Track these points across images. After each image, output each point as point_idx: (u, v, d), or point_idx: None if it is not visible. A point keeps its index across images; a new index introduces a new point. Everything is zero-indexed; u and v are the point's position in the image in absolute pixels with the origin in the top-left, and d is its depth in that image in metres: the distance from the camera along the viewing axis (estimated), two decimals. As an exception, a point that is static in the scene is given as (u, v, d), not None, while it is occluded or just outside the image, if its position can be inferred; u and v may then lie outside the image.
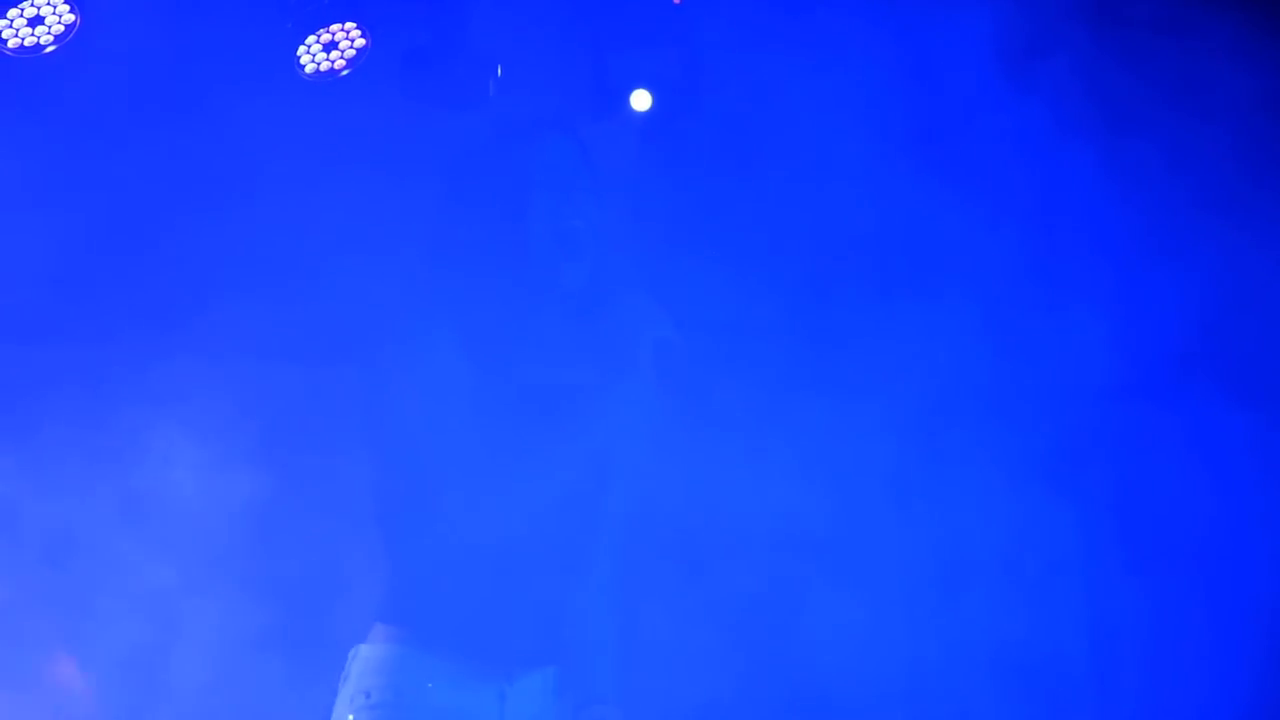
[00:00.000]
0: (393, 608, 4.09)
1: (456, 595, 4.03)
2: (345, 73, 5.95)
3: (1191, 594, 6.11)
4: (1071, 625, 6.23)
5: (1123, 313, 6.23)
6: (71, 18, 5.69)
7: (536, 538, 4.08)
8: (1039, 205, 6.32)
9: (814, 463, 6.08)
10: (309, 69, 5.94)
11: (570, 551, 4.15)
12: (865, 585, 6.22)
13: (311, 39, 5.92)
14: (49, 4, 5.69)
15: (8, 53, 5.63)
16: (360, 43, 5.96)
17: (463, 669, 4.02)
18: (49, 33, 5.67)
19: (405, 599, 4.08)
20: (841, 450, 6.10)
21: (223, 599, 5.86)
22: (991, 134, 6.31)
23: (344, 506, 5.54)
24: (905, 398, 6.19)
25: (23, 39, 5.67)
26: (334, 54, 5.96)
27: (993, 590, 6.18)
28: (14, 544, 5.77)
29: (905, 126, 6.21)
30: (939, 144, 6.25)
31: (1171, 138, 6.12)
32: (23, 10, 5.66)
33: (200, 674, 5.90)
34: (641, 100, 6.13)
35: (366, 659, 4.08)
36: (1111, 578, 6.20)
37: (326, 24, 5.93)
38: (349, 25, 5.95)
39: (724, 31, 6.18)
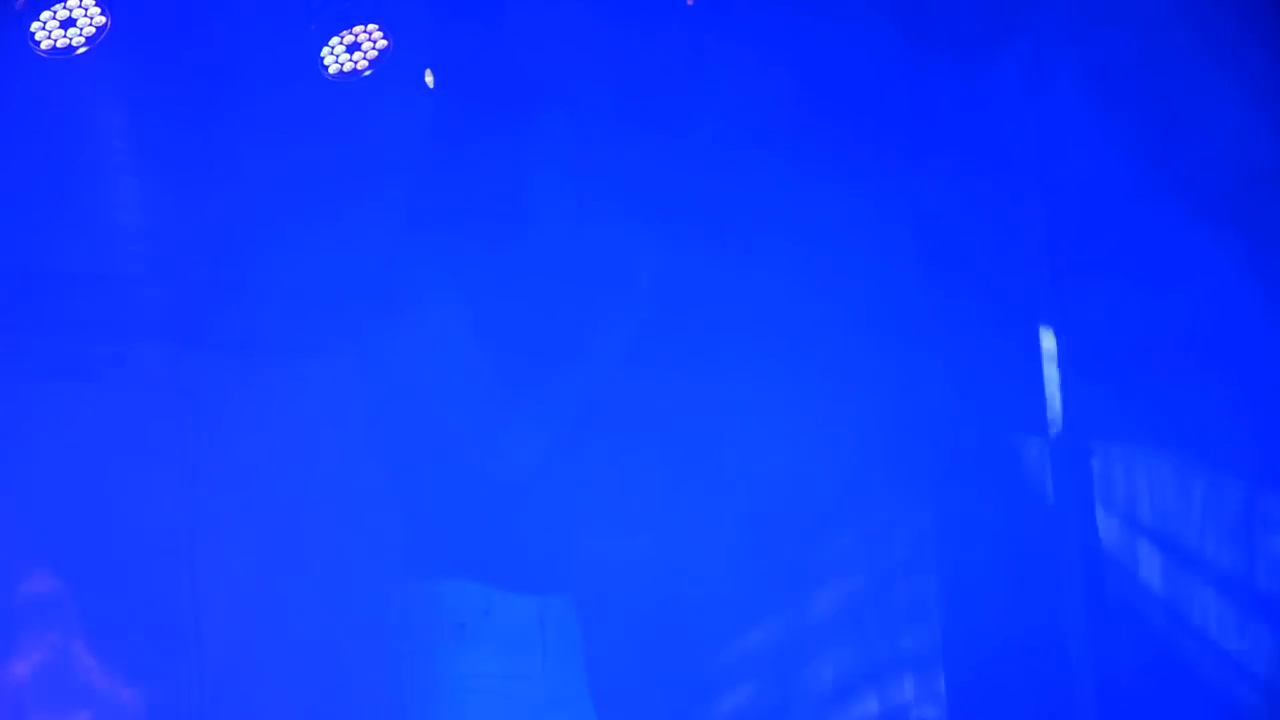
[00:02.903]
0: (424, 544, 4.33)
1: (483, 528, 4.28)
2: (368, 73, 6.09)
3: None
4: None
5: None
6: (102, 20, 5.88)
7: (547, 469, 4.31)
8: (1049, 207, 6.39)
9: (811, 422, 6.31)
10: (332, 69, 6.10)
11: (577, 478, 4.42)
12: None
13: (335, 40, 6.06)
14: (80, 6, 5.88)
15: (41, 54, 5.85)
16: (382, 44, 6.09)
17: (501, 596, 4.24)
18: (80, 34, 5.88)
19: (434, 535, 4.32)
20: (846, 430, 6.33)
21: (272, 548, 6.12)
22: (1004, 135, 6.38)
23: (369, 457, 5.79)
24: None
25: (55, 40, 5.88)
26: (357, 55, 6.10)
27: None
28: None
29: (913, 126, 6.28)
30: (948, 145, 6.31)
31: None
32: (55, 13, 5.86)
33: (236, 623, 6.21)
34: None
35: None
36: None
37: (350, 26, 6.05)
38: (371, 27, 6.08)
39: (735, 33, 6.24)
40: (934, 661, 6.56)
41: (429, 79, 6.17)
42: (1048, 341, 6.41)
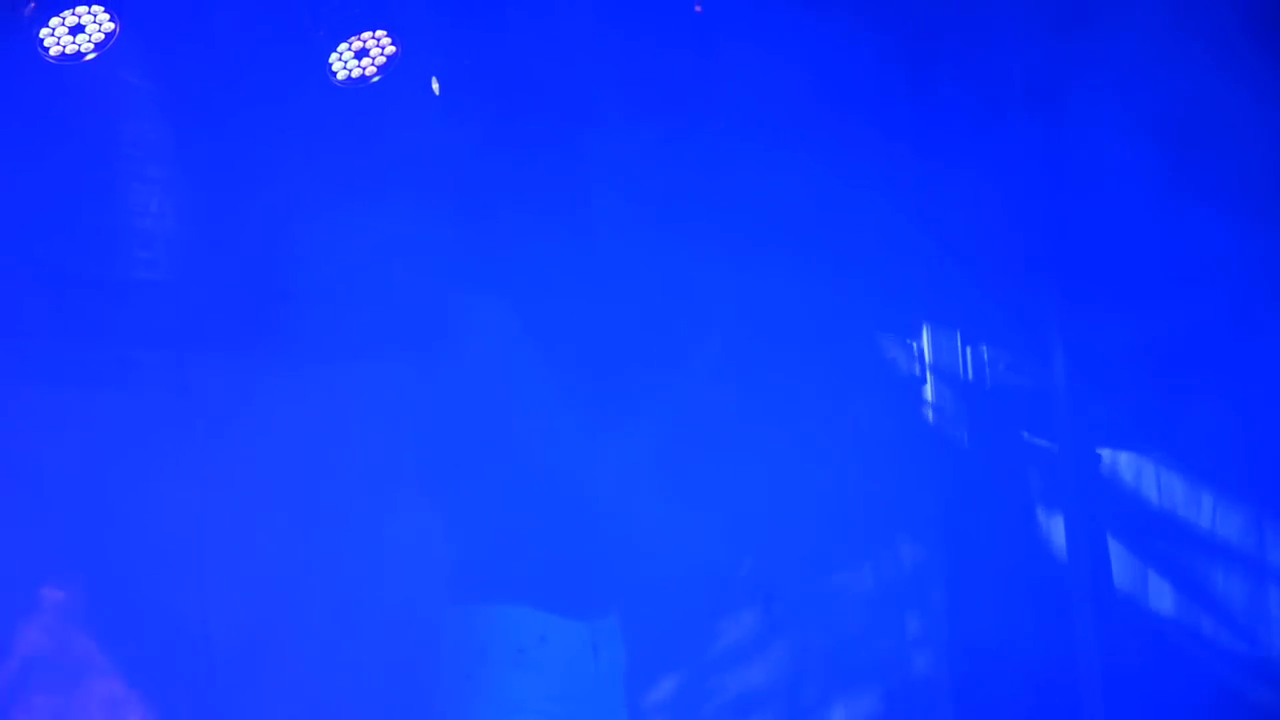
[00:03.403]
0: (480, 569, 4.50)
1: (539, 553, 4.48)
2: (376, 79, 6.11)
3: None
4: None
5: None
6: (111, 26, 5.89)
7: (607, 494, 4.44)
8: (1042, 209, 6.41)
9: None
10: (341, 75, 6.11)
11: (633, 502, 4.52)
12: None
13: (344, 46, 6.08)
14: (89, 12, 5.89)
15: (50, 60, 5.86)
16: (390, 50, 6.10)
17: (557, 622, 4.45)
18: (89, 40, 5.89)
19: (491, 560, 4.49)
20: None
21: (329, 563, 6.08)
22: (1015, 140, 6.39)
23: (427, 480, 5.67)
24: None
25: (64, 47, 5.89)
26: (365, 61, 6.11)
27: None
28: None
29: (918, 128, 6.30)
30: (954, 151, 6.33)
31: None
32: (64, 19, 5.87)
33: (272, 640, 6.15)
34: None
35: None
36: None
37: (358, 32, 6.06)
38: (380, 33, 6.09)
39: (745, 38, 6.26)
40: (941, 671, 6.57)
41: (435, 87, 6.19)
42: (1058, 345, 6.42)
